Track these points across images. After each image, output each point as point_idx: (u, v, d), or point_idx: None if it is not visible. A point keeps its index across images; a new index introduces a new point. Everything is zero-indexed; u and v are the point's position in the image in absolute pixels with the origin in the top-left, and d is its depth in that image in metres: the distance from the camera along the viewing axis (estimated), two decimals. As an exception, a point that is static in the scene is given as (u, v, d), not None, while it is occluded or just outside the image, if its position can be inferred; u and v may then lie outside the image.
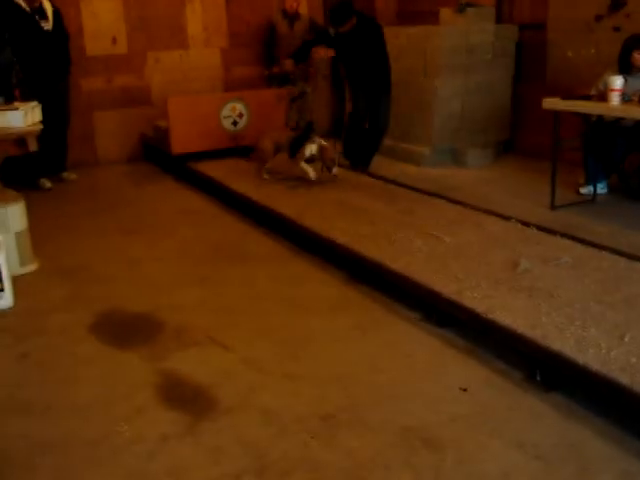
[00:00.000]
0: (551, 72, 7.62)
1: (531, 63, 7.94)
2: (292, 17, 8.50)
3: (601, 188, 6.23)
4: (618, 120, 5.86)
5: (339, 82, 9.21)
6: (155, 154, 8.11)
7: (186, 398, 3.19)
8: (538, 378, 3.16)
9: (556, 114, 5.73)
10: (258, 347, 3.62)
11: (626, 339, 3.22)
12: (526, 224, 4.81)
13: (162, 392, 3.23)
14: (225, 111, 7.60)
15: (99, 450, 2.82)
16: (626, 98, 5.41)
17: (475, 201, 5.49)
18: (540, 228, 4.72)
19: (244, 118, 7.71)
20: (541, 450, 2.72)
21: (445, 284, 3.85)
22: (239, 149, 7.58)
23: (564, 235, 4.60)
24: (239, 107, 7.66)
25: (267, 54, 8.74)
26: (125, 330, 3.91)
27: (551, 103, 5.73)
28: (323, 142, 6.15)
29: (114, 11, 7.96)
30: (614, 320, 3.43)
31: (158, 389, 3.25)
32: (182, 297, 4.27)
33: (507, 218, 4.96)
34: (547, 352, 3.14)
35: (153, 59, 8.25)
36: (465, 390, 3.14)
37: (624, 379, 2.86)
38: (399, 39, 7.90)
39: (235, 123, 7.68)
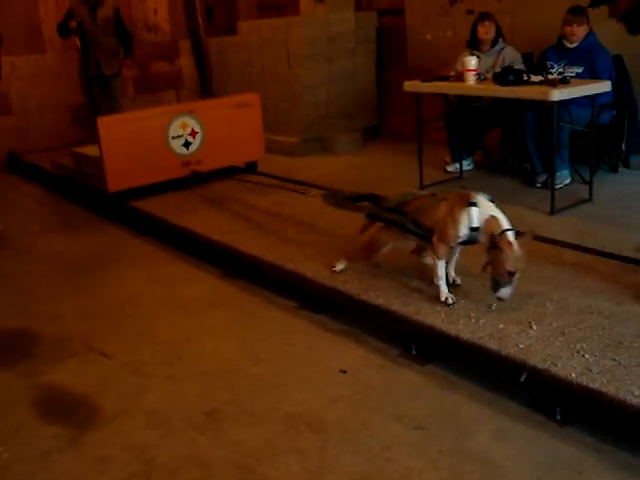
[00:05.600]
0: (412, 55, 7.84)
1: (392, 48, 8.14)
2: (94, 3, 7.21)
3: (467, 165, 6.47)
4: (477, 98, 6.10)
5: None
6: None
7: (67, 410, 3.13)
8: (414, 352, 3.27)
9: (418, 96, 5.89)
10: (139, 351, 3.59)
11: (493, 307, 3.37)
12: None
13: (41, 407, 3.15)
14: (173, 129, 5.99)
15: (-24, 477, 2.73)
16: (482, 77, 5.64)
17: (346, 187, 5.56)
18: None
19: (199, 137, 6.13)
20: (420, 420, 2.83)
21: (318, 270, 3.92)
22: (194, 177, 6.08)
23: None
24: (191, 123, 6.06)
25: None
26: (-1, 348, 3.79)
27: (412, 86, 5.89)
28: (501, 219, 3.29)
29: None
30: (482, 290, 3.58)
31: (36, 405, 3.16)
32: (58, 307, 4.17)
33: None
34: (420, 326, 3.26)
35: (8, 65, 7.91)
36: (345, 372, 3.22)
37: (493, 345, 3.01)
38: (262, 31, 7.96)
39: (188, 144, 6.11)
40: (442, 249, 3.43)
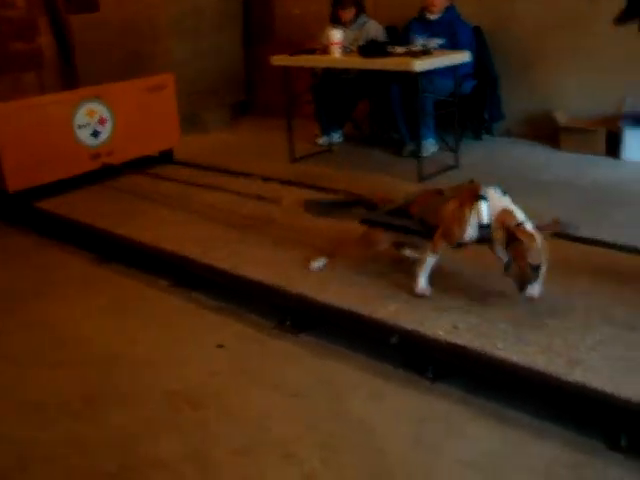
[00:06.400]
0: (280, 30, 7.85)
1: (261, 23, 8.13)
2: None
3: (337, 137, 6.57)
4: (344, 71, 6.18)
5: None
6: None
7: None
8: (288, 323, 3.32)
9: (286, 70, 5.92)
10: (13, 342, 3.47)
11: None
12: (267, 179, 4.95)
13: None
14: (80, 117, 5.40)
15: None
16: (347, 50, 5.71)
17: (217, 163, 5.55)
18: (281, 181, 4.88)
19: (108, 125, 5.61)
20: (297, 388, 2.89)
21: (191, 248, 3.91)
22: (105, 170, 5.50)
23: (303, 185, 4.79)
24: (99, 110, 5.50)
25: None
26: None
27: (279, 60, 5.91)
28: (516, 211, 3.00)
29: None
30: (354, 257, 3.66)
31: None
32: None
33: (248, 175, 5.08)
34: (292, 297, 3.32)
35: None
36: (222, 347, 3.23)
37: (364, 310, 3.10)
38: (125, 7, 7.76)
39: (97, 134, 5.58)
40: (440, 245, 3.14)
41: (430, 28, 5.99)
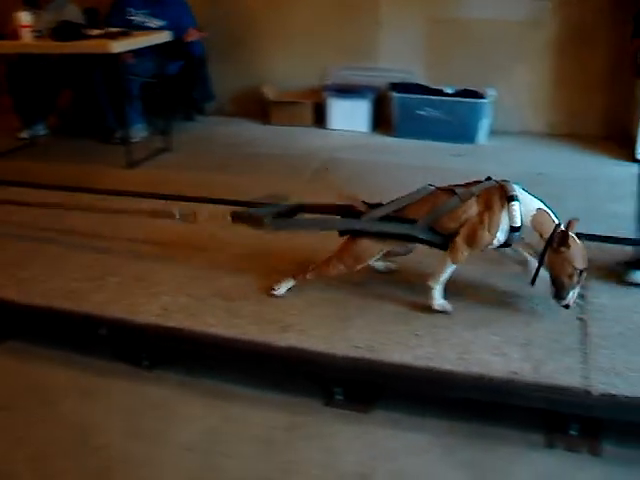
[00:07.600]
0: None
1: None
2: None
3: (40, 130, 6.16)
4: (42, 57, 5.80)
5: None
6: None
7: None
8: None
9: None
10: None
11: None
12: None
13: None
14: None
15: None
16: (40, 34, 5.35)
17: None
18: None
19: None
20: (3, 400, 2.67)
21: None
22: None
23: (5, 183, 4.43)
24: None
25: None
26: None
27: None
28: (549, 212, 2.66)
29: None
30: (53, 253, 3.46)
31: None
32: None
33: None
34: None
35: None
36: None
37: (67, 305, 2.92)
38: None
39: None
40: (464, 254, 2.68)
41: (151, 6, 5.83)
